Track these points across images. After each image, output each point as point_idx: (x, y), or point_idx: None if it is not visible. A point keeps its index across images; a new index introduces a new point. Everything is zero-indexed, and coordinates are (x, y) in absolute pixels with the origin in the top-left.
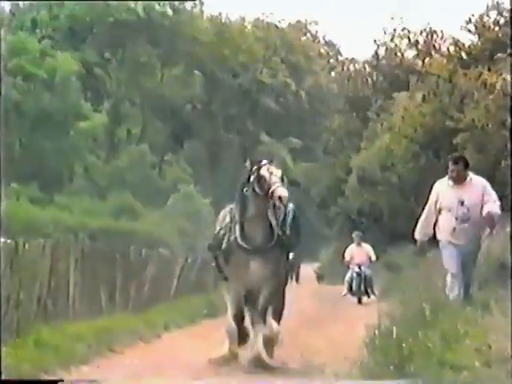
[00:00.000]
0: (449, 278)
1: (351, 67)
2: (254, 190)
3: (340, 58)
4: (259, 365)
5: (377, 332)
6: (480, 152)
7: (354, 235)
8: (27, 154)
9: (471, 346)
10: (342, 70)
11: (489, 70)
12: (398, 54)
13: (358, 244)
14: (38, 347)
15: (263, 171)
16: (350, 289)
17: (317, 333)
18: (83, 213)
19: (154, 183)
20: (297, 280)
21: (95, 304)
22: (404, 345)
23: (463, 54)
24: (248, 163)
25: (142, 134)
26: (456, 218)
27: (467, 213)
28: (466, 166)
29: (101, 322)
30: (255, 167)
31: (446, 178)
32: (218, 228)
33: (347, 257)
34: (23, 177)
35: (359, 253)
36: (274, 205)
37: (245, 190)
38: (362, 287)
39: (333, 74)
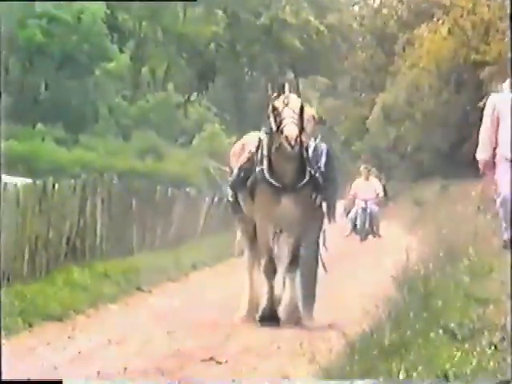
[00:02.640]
0: (499, 205)
1: (376, 0)
2: (270, 124)
3: None
4: (293, 316)
5: (404, 267)
6: None
7: (361, 168)
8: (52, 95)
9: (497, 279)
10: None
11: None
12: None
13: (366, 178)
14: (67, 286)
15: (278, 102)
16: (355, 227)
17: (344, 270)
18: (109, 153)
19: (178, 123)
20: (334, 218)
21: (123, 243)
22: (431, 279)
23: None
24: (269, 89)
25: (166, 74)
26: None
27: None
28: None
29: (128, 261)
30: (274, 95)
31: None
32: (234, 163)
33: (352, 191)
34: (48, 118)
35: (366, 187)
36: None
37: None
38: (367, 225)
39: (356, 8)
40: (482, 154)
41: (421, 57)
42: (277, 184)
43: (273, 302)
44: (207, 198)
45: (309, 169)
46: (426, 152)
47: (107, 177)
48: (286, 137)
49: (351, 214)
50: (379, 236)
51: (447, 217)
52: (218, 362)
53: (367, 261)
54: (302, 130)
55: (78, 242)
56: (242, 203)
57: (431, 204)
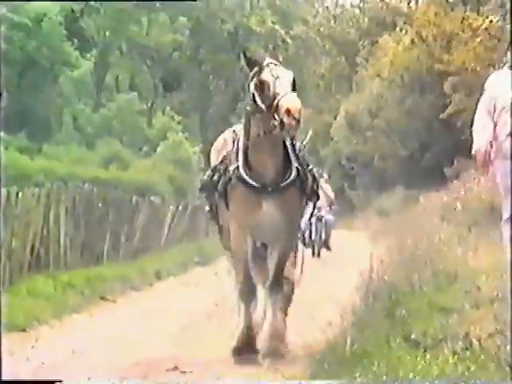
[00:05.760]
0: (503, 204)
1: (337, 11)
2: (255, 104)
3: (326, 3)
4: (275, 349)
5: (368, 277)
6: (470, 94)
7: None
8: (15, 103)
9: (461, 288)
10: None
11: (477, 12)
12: None
13: None
14: (31, 296)
15: (265, 75)
16: (306, 239)
17: (308, 279)
18: (72, 162)
19: (142, 131)
20: None
21: (87, 252)
22: (396, 289)
23: None
24: (243, 61)
25: (130, 81)
26: None
27: None
28: None
29: (93, 270)
30: (255, 69)
31: (505, 68)
32: (214, 162)
33: None
34: (11, 126)
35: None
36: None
37: (246, 104)
38: (323, 236)
39: (319, 17)
40: (476, 149)
41: (384, 66)
42: (255, 184)
43: (250, 331)
44: (171, 207)
45: (295, 164)
46: (389, 161)
47: (71, 185)
48: (289, 110)
49: (301, 225)
50: (329, 249)
51: (411, 226)
52: (183, 372)
53: (331, 270)
54: None
55: (42, 251)
56: (216, 211)
57: (394, 214)
